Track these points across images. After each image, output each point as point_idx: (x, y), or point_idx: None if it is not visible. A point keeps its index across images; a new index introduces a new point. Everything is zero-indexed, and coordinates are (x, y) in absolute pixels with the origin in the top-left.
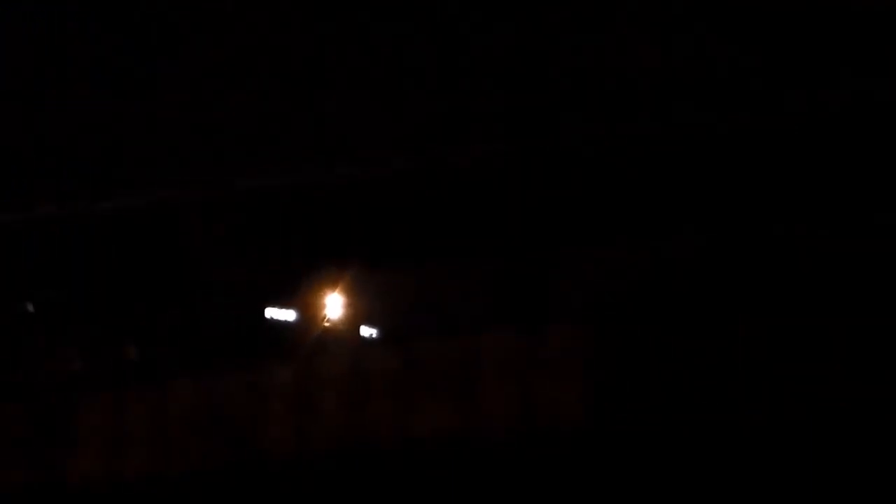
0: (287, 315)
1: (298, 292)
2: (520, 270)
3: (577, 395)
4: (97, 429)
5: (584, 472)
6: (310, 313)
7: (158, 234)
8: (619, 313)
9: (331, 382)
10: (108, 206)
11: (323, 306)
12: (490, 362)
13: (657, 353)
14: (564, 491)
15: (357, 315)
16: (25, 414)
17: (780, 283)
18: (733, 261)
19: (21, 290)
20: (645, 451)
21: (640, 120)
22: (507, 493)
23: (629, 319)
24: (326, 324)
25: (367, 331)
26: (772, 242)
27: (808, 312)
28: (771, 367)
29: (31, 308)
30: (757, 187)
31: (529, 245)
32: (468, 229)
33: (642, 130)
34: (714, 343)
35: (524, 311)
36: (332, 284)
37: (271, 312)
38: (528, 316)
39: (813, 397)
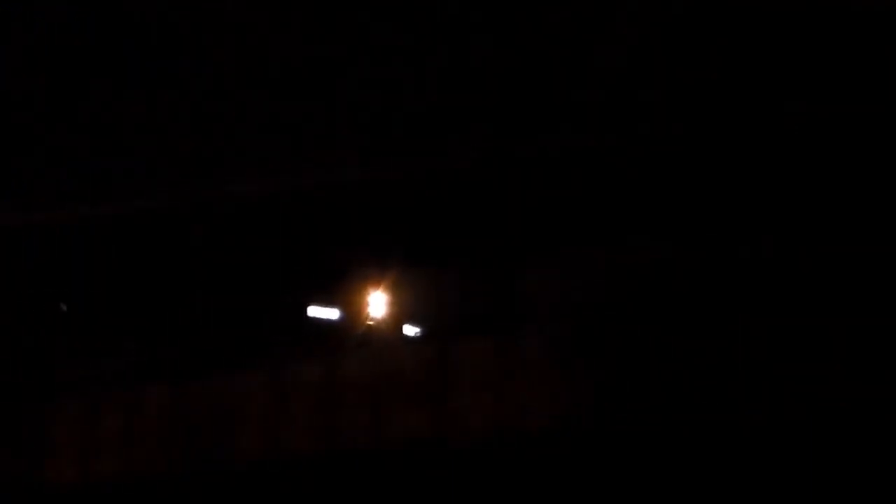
0: (330, 314)
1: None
2: (517, 272)
3: (564, 398)
4: (74, 431)
5: (581, 473)
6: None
7: (177, 236)
8: (617, 313)
9: (306, 388)
10: (131, 207)
11: (366, 305)
12: (467, 367)
13: (657, 353)
14: (555, 495)
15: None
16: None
17: (780, 283)
18: (733, 261)
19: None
20: (644, 452)
21: (639, 120)
22: (491, 500)
23: (628, 320)
24: (370, 322)
25: (409, 329)
26: (772, 242)
27: (808, 312)
28: (771, 367)
29: (63, 307)
30: (757, 187)
31: (526, 247)
32: (453, 231)
33: (643, 131)
34: (714, 343)
35: (511, 314)
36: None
37: (314, 311)
38: (512, 319)
39: (813, 397)
